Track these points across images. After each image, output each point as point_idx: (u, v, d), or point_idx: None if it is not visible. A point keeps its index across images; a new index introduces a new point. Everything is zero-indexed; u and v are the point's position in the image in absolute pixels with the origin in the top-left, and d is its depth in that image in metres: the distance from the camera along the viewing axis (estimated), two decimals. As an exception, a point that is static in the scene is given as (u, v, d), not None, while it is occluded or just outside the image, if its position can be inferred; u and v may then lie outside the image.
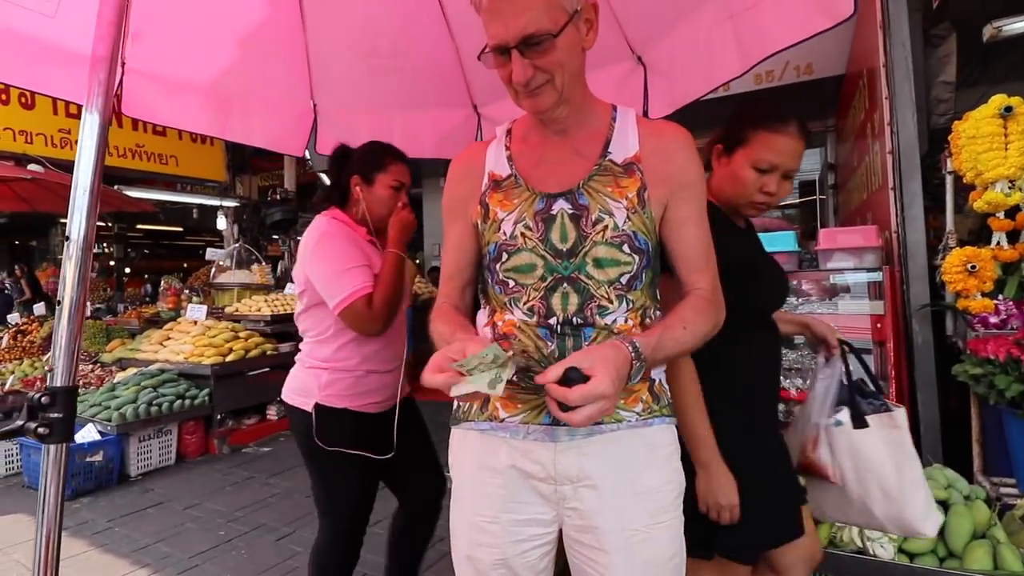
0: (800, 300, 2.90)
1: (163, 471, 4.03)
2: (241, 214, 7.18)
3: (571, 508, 1.00)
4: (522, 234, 0.99)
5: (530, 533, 1.01)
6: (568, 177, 1.00)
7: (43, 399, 0.80)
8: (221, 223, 7.10)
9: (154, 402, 4.03)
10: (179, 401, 4.16)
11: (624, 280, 0.97)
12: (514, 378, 0.96)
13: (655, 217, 1.00)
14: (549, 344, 0.97)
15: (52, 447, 0.82)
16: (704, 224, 1.04)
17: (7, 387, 4.61)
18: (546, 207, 0.99)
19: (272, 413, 4.88)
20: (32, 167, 4.74)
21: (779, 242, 2.86)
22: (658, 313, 1.06)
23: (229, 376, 4.50)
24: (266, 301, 5.32)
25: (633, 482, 0.98)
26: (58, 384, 0.82)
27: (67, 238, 0.83)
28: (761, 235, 2.95)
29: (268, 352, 4.87)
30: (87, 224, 0.85)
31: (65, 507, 2.62)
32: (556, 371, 0.80)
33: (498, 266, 1.02)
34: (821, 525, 2.00)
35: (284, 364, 4.89)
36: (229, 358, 4.55)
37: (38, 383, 4.71)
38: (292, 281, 6.56)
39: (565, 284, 0.97)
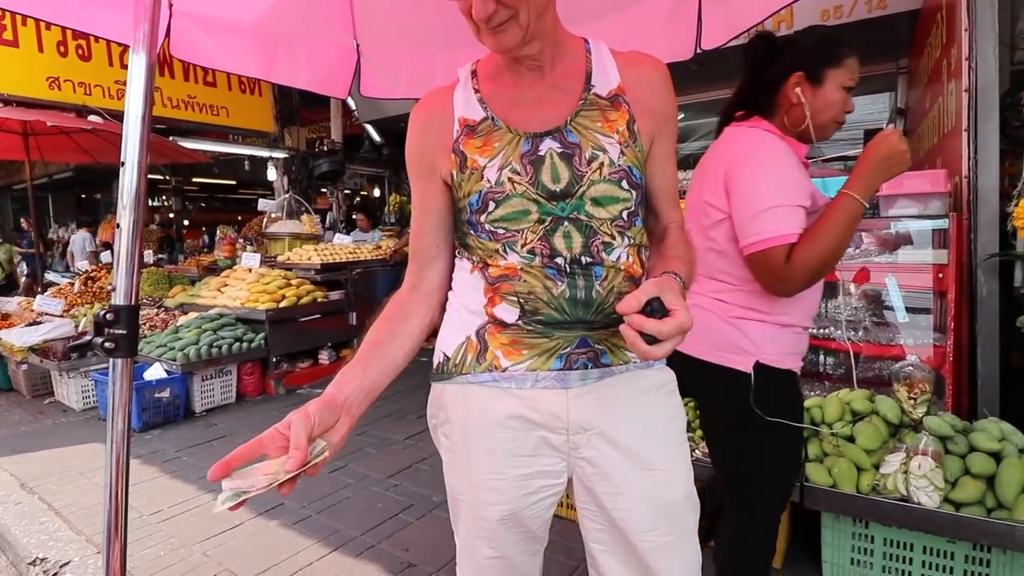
0: (858, 251, 2.76)
1: (224, 408, 4.31)
2: (290, 165, 7.33)
3: (584, 458, 0.96)
4: (509, 179, 0.91)
5: (539, 485, 0.97)
6: (552, 115, 0.93)
7: (108, 316, 0.85)
8: (271, 174, 7.28)
9: (214, 344, 4.27)
10: (237, 344, 4.40)
11: (625, 216, 0.94)
12: (520, 322, 0.93)
13: (645, 151, 0.96)
14: (559, 284, 0.91)
15: (118, 361, 0.88)
16: (676, 157, 1.03)
17: (80, 328, 4.97)
18: (532, 148, 0.92)
19: (324, 357, 5.10)
20: (92, 118, 4.94)
21: (836, 187, 2.70)
22: (646, 252, 1.03)
23: (282, 321, 4.71)
24: (316, 250, 5.47)
25: (646, 422, 0.97)
26: (120, 303, 0.87)
27: (121, 163, 0.87)
28: (816, 181, 2.80)
29: (319, 299, 5.05)
30: (139, 150, 0.88)
31: (137, 438, 2.86)
32: (640, 299, 0.76)
33: (483, 217, 0.93)
34: (864, 472, 1.97)
35: (335, 311, 5.15)
36: (282, 304, 4.75)
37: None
38: (340, 232, 6.74)
39: (566, 223, 0.91)
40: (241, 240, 6.78)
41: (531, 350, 0.94)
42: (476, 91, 0.98)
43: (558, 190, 0.91)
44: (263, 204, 6.70)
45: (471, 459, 0.98)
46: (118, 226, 0.87)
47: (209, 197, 16.47)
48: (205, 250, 8.14)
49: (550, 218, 0.91)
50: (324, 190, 8.25)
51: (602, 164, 0.91)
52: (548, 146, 0.91)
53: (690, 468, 1.02)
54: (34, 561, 2.30)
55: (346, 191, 8.92)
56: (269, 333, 4.60)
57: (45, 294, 5.59)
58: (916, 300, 2.74)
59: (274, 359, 4.68)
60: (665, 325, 0.74)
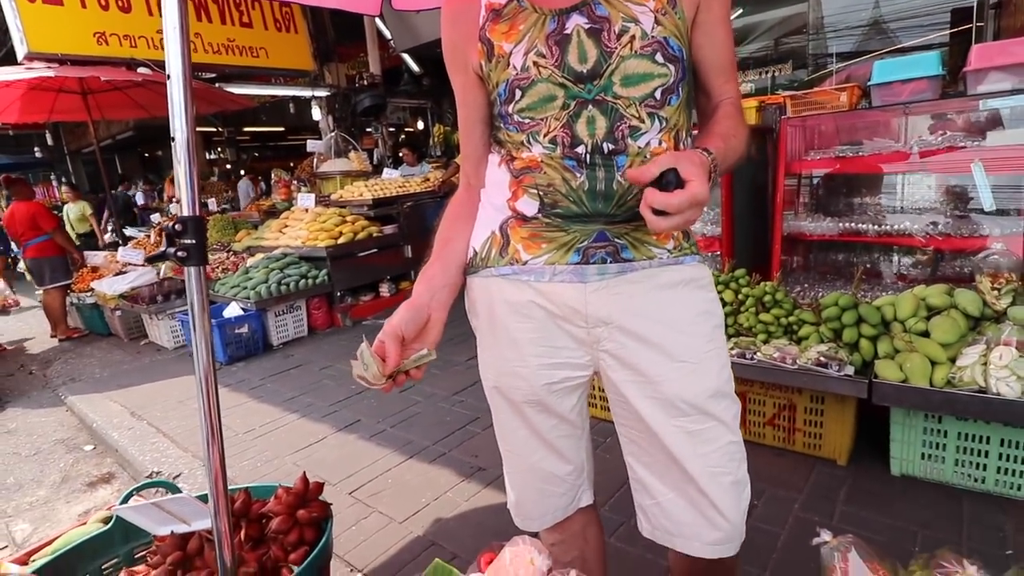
0: (939, 137, 2.51)
1: (298, 341, 4.59)
2: (333, 104, 7.33)
3: (606, 350, 0.95)
4: (535, 63, 0.87)
5: (562, 376, 0.98)
6: None
7: (177, 227, 0.91)
8: (316, 114, 7.31)
9: (282, 282, 4.51)
10: (303, 280, 4.61)
11: (658, 95, 0.87)
12: (539, 215, 0.92)
13: (687, 18, 0.87)
14: (578, 176, 0.88)
15: (192, 269, 0.94)
16: (730, 24, 0.92)
17: (161, 275, 5.35)
18: (559, 26, 0.86)
19: (384, 290, 5.29)
20: (141, 70, 5.06)
21: (919, 66, 2.43)
22: (691, 138, 0.95)
23: (342, 257, 4.88)
24: (366, 186, 5.55)
25: (670, 317, 0.93)
26: (186, 214, 0.92)
27: (168, 76, 0.89)
28: (898, 60, 2.53)
29: (374, 234, 5.17)
30: (183, 62, 0.89)
31: (224, 370, 3.12)
32: (652, 170, 0.72)
33: (511, 107, 0.90)
34: (938, 366, 1.90)
35: (390, 244, 5.27)
36: (340, 240, 4.91)
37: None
38: (388, 167, 6.79)
39: (590, 107, 0.86)
40: (295, 182, 6.96)
41: (549, 244, 0.93)
42: None
43: (585, 71, 0.86)
44: (311, 145, 6.80)
45: (497, 347, 1.01)
46: (172, 139, 0.90)
47: (261, 146, 16.86)
48: (263, 195, 8.42)
49: (575, 103, 0.87)
50: (369, 129, 8.25)
51: (633, 37, 0.84)
52: (575, 22, 0.85)
53: (724, 364, 0.97)
54: (151, 474, 2.62)
55: (390, 128, 8.88)
56: (331, 269, 4.79)
57: (127, 246, 6.00)
58: (1004, 187, 2.51)
59: (338, 293, 4.89)
60: (674, 198, 0.69)
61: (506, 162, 0.96)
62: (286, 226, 5.45)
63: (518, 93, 0.89)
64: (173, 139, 0.90)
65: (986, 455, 1.89)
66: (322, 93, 7.23)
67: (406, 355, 0.92)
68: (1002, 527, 1.77)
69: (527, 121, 0.90)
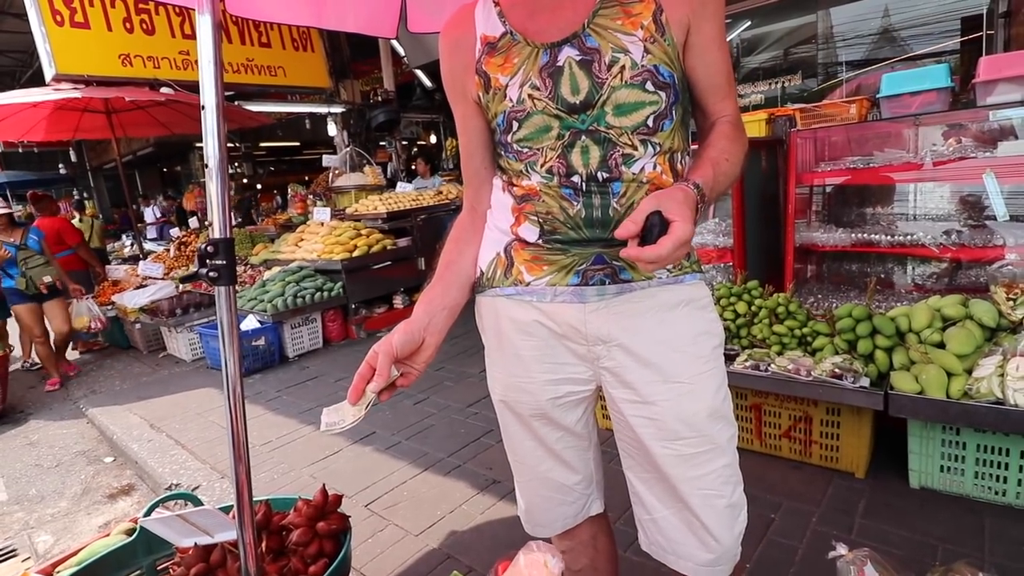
0: (950, 148, 2.52)
1: (314, 352, 4.65)
2: (348, 119, 7.46)
3: (606, 368, 0.98)
4: (530, 96, 0.89)
5: (566, 390, 1.01)
6: (570, 20, 0.88)
7: (208, 248, 0.95)
8: (331, 129, 7.44)
9: (298, 295, 4.58)
10: (318, 293, 4.68)
11: (651, 122, 0.88)
12: (540, 240, 0.95)
13: (677, 43, 0.88)
14: (574, 204, 0.91)
15: (222, 288, 0.98)
16: (725, 43, 0.93)
17: (180, 289, 5.45)
18: (551, 59, 0.88)
19: (398, 302, 5.34)
20: (164, 90, 5.20)
21: (928, 78, 2.45)
22: (688, 158, 0.97)
23: (357, 270, 4.95)
24: (381, 200, 5.63)
25: (668, 336, 0.95)
26: (218, 236, 0.96)
27: (202, 107, 0.94)
28: (907, 72, 2.54)
29: (388, 247, 5.24)
30: (216, 93, 0.94)
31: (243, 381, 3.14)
32: (637, 221, 0.74)
33: (509, 137, 0.94)
34: (954, 378, 1.89)
35: (404, 257, 5.34)
36: (355, 253, 4.98)
37: (204, 284, 5.52)
38: (401, 181, 6.88)
39: (583, 137, 0.89)
40: (311, 196, 7.07)
41: (550, 266, 0.95)
42: (496, 5, 0.95)
43: (578, 102, 0.88)
44: (327, 160, 6.92)
45: (504, 362, 1.05)
46: (206, 165, 0.95)
47: (277, 160, 17.14)
48: (279, 209, 8.55)
49: (569, 133, 0.89)
50: (383, 144, 8.37)
51: (623, 67, 0.85)
52: (566, 55, 0.87)
53: (721, 385, 0.99)
54: (170, 486, 2.66)
55: (403, 141, 9.00)
56: (346, 281, 4.86)
57: (146, 260, 6.13)
58: (1018, 196, 2.50)
59: (353, 306, 4.95)
60: (662, 249, 0.71)
61: (508, 187, 1.00)
62: (302, 240, 5.54)
63: (515, 124, 0.92)
64: (207, 165, 0.95)
65: (1006, 467, 1.88)
66: (337, 109, 7.36)
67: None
68: (1024, 542, 1.75)
69: (525, 150, 0.93)
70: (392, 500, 2.35)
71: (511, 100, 0.91)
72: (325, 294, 4.72)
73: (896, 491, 2.05)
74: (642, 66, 0.86)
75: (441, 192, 6.25)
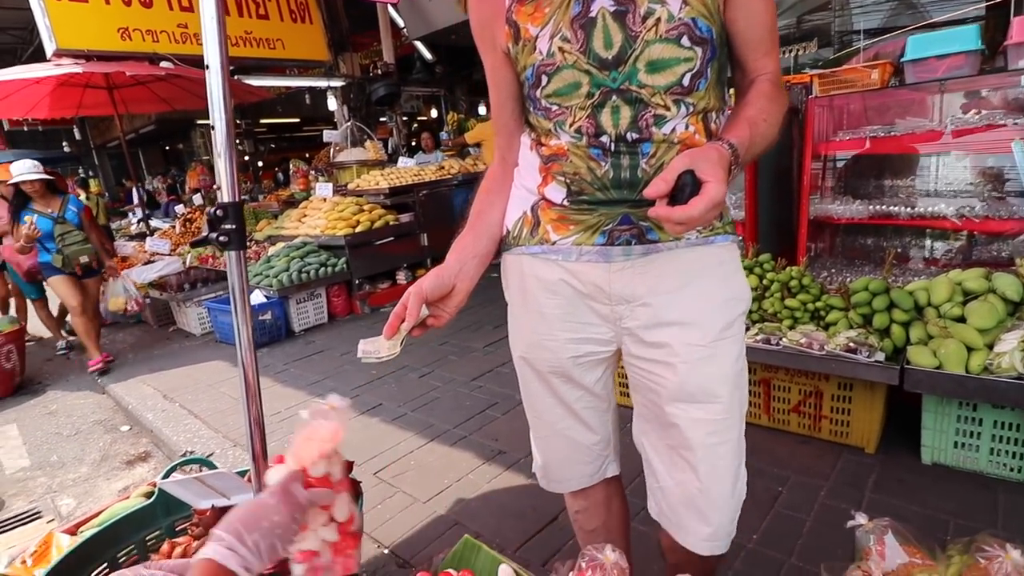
0: (977, 115, 2.43)
1: (319, 327, 4.66)
2: (348, 93, 7.34)
3: (628, 328, 0.97)
4: (560, 49, 0.85)
5: (587, 350, 1.01)
6: None
7: (218, 212, 0.92)
8: (332, 104, 7.34)
9: (303, 270, 4.56)
10: (322, 268, 4.67)
11: (686, 81, 0.84)
12: (566, 201, 0.94)
13: None
14: (602, 164, 0.89)
15: (232, 253, 0.95)
16: None
17: (187, 264, 5.44)
18: (583, 9, 0.83)
19: (401, 277, 5.32)
20: (164, 64, 5.12)
21: (956, 40, 2.35)
22: (724, 116, 0.93)
23: (360, 245, 4.92)
24: (383, 175, 5.58)
25: (693, 299, 0.93)
26: (227, 200, 0.93)
27: (206, 66, 0.90)
28: (934, 34, 2.45)
29: (390, 222, 5.20)
30: (221, 53, 0.90)
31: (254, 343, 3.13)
32: (668, 180, 0.71)
33: (538, 92, 0.91)
34: (974, 352, 1.86)
35: (407, 233, 5.30)
36: (358, 229, 4.94)
37: (210, 259, 5.51)
38: (403, 155, 6.81)
39: (614, 97, 0.85)
40: (313, 172, 7.01)
41: (576, 226, 0.94)
42: None
43: (610, 57, 0.84)
44: (328, 135, 6.84)
45: (527, 319, 1.05)
46: (212, 128, 0.92)
47: (277, 137, 17.00)
48: (282, 185, 8.50)
49: (599, 91, 0.86)
50: (383, 119, 8.27)
51: (659, 20, 0.81)
52: (600, 5, 0.83)
53: (741, 352, 0.98)
54: (185, 453, 2.69)
55: (404, 116, 8.88)
56: (349, 257, 4.84)
57: (153, 236, 6.12)
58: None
59: (356, 281, 4.94)
60: (693, 210, 0.68)
61: (536, 147, 0.98)
62: (305, 215, 5.51)
63: (544, 79, 0.89)
64: (213, 128, 0.91)
65: (1023, 444, 1.86)
66: (337, 83, 7.24)
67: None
68: (1039, 517, 1.74)
69: (554, 108, 0.90)
70: (400, 469, 2.37)
71: (541, 53, 0.88)
72: (329, 269, 4.71)
73: (907, 466, 2.04)
74: (679, 19, 0.81)
75: (443, 167, 6.18)
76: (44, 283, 4.26)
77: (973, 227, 2.39)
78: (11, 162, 4.34)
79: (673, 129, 0.87)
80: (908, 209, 2.50)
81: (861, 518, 0.96)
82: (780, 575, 1.62)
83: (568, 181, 0.93)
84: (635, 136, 0.86)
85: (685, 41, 0.82)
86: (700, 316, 0.93)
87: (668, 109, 0.85)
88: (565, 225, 0.95)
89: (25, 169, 3.91)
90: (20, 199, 4.01)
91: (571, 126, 0.89)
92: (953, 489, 1.90)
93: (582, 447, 1.11)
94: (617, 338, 1.01)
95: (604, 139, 0.87)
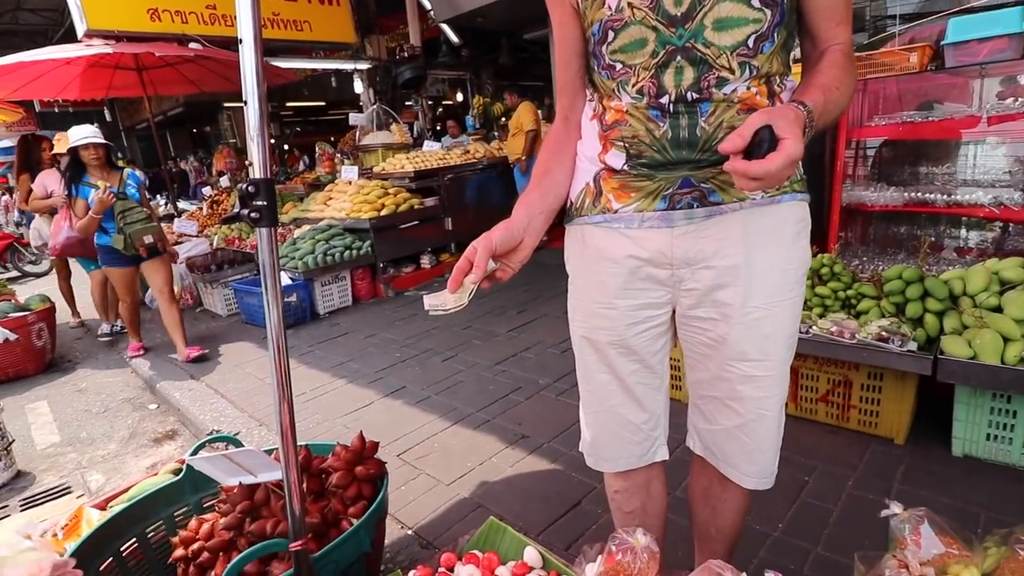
0: (1018, 101, 2.34)
1: (343, 310, 4.71)
2: (374, 76, 7.35)
3: (688, 289, 0.99)
4: (629, 5, 0.86)
5: (645, 316, 1.03)
6: None
7: (250, 188, 0.93)
8: (358, 87, 7.35)
9: (328, 253, 4.61)
10: (347, 251, 4.71)
11: (751, 42, 0.84)
12: (626, 166, 0.95)
13: None
14: (660, 125, 0.89)
15: (263, 230, 0.96)
16: None
17: (214, 245, 5.54)
18: None
19: (425, 262, 5.35)
20: (192, 45, 5.18)
21: (999, 22, 2.26)
22: (789, 81, 0.92)
23: (385, 229, 4.95)
24: (408, 159, 5.58)
25: (755, 260, 0.94)
26: (258, 176, 0.94)
27: (240, 40, 0.90)
28: (976, 16, 2.35)
29: (415, 207, 5.21)
30: (254, 26, 0.90)
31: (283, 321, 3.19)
32: (745, 135, 0.70)
33: (604, 48, 0.91)
34: (1011, 343, 1.80)
35: (431, 217, 5.31)
36: (383, 212, 4.97)
37: (236, 241, 5.60)
38: (428, 139, 6.80)
39: (679, 57, 0.85)
40: (338, 155, 7.05)
41: (638, 192, 0.96)
42: None
43: (679, 13, 0.84)
44: (353, 118, 6.85)
45: (587, 290, 1.07)
46: (245, 102, 0.92)
47: (303, 120, 17.12)
48: (307, 169, 8.57)
49: (664, 50, 0.86)
50: (408, 103, 8.25)
51: None
52: None
53: (797, 315, 1.01)
54: (211, 432, 2.75)
55: (429, 100, 8.85)
56: (374, 240, 4.87)
57: (181, 218, 6.23)
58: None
59: (381, 264, 4.97)
60: (768, 164, 0.67)
61: (598, 117, 0.99)
62: (330, 198, 5.55)
63: (611, 34, 0.90)
64: (245, 103, 0.92)
65: (1058, 437, 1.81)
66: (364, 66, 7.25)
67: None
68: (1074, 512, 1.69)
69: (618, 66, 0.91)
70: (423, 451, 2.40)
71: (609, 8, 0.89)
72: (354, 252, 4.75)
73: (938, 458, 2.00)
74: None
75: (468, 151, 6.16)
76: (104, 269, 3.86)
77: (1011, 216, 2.30)
78: (55, 135, 4.09)
79: (734, 90, 0.87)
80: (944, 197, 2.42)
81: (896, 507, 0.94)
82: (807, 564, 1.60)
83: (627, 145, 0.94)
84: (695, 96, 0.87)
85: (755, 2, 0.82)
86: (762, 279, 0.95)
87: (732, 72, 0.85)
88: (627, 193, 0.96)
89: (88, 133, 3.50)
90: (76, 169, 3.56)
91: (634, 87, 0.90)
92: (984, 482, 1.85)
93: (632, 426, 1.11)
94: (674, 300, 1.03)
95: (664, 100, 0.88)
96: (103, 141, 3.56)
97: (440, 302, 0.88)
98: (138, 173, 3.82)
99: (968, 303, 1.98)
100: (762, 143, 0.69)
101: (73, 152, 3.53)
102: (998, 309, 1.92)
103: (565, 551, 1.74)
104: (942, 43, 2.40)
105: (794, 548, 1.67)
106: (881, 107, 2.77)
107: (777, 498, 1.85)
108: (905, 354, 1.93)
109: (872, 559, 0.92)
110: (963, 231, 2.76)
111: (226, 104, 13.67)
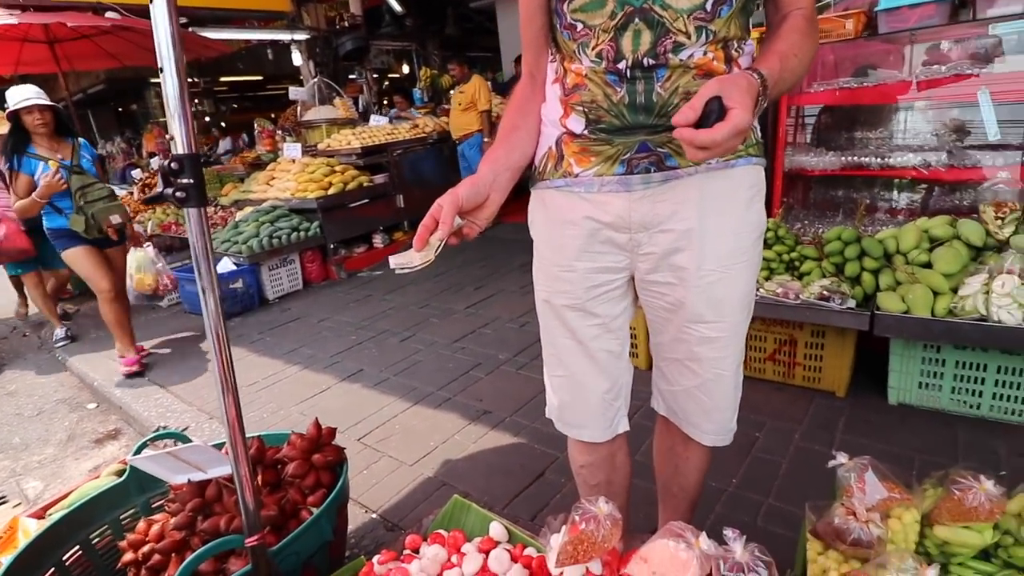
0: (945, 65, 2.43)
1: (294, 295, 4.56)
2: (313, 47, 7.01)
3: (645, 254, 1.01)
4: None
5: (603, 279, 1.05)
6: None
7: (173, 165, 0.86)
8: (297, 59, 7.01)
9: (273, 235, 4.42)
10: (295, 233, 4.53)
11: (709, 6, 0.84)
12: (586, 131, 0.95)
13: None
14: (618, 90, 0.90)
15: (192, 211, 0.89)
16: None
17: (149, 231, 5.24)
18: None
19: (378, 241, 5.22)
20: (109, 15, 4.78)
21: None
22: (747, 45, 0.93)
23: (333, 208, 4.79)
24: (354, 134, 5.38)
25: (710, 224, 0.96)
26: (181, 151, 0.87)
27: (151, 2, 0.82)
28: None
29: (364, 184, 5.05)
30: (166, -14, 0.82)
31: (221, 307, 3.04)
32: (696, 107, 0.71)
33: (565, 7, 0.91)
34: (940, 297, 1.91)
35: (381, 195, 5.16)
36: (330, 191, 4.79)
37: (173, 227, 5.31)
38: (374, 113, 6.57)
39: (637, 19, 0.85)
40: (279, 132, 6.74)
41: (597, 157, 0.96)
42: None
43: None
44: (293, 92, 6.54)
45: (548, 254, 1.09)
46: (161, 70, 0.84)
47: (239, 96, 16.25)
48: (246, 147, 8.17)
49: (623, 11, 0.86)
50: (352, 76, 7.93)
51: None
52: None
53: (754, 275, 1.04)
54: (158, 428, 2.63)
55: (374, 73, 8.54)
56: (323, 220, 4.71)
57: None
58: (1010, 117, 2.46)
59: (331, 245, 4.82)
60: (717, 133, 0.68)
61: (560, 80, 0.99)
62: (273, 178, 5.31)
63: None
64: (161, 70, 0.84)
65: (983, 382, 1.94)
66: (301, 36, 6.90)
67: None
68: (996, 450, 1.83)
69: (579, 26, 0.91)
70: (384, 433, 2.36)
71: None
72: (302, 234, 4.58)
73: (875, 408, 2.12)
74: None
75: (417, 126, 5.99)
76: (62, 255, 3.22)
77: (940, 176, 2.42)
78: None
79: (690, 55, 0.87)
80: (879, 159, 2.52)
81: (842, 457, 0.98)
82: (760, 515, 1.68)
83: (586, 110, 0.94)
84: (652, 61, 0.87)
85: None
86: (716, 242, 0.96)
87: (688, 36, 0.85)
88: (587, 157, 0.97)
89: (31, 94, 2.93)
90: (18, 137, 2.98)
91: (593, 49, 0.90)
92: (918, 427, 1.99)
93: (595, 395, 1.12)
94: (632, 265, 1.04)
95: (621, 65, 0.88)
96: (50, 103, 2.99)
97: (406, 260, 0.87)
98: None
99: (901, 260, 2.09)
100: (711, 114, 0.70)
101: (13, 117, 2.95)
102: (928, 265, 2.03)
103: (531, 521, 1.76)
104: (875, 9, 2.46)
105: (748, 501, 1.74)
106: (819, 74, 2.84)
107: (730, 455, 1.93)
108: (844, 311, 2.03)
109: (821, 508, 0.96)
110: (896, 193, 2.88)
111: (153, 80, 12.79)
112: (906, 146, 2.67)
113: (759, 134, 1.01)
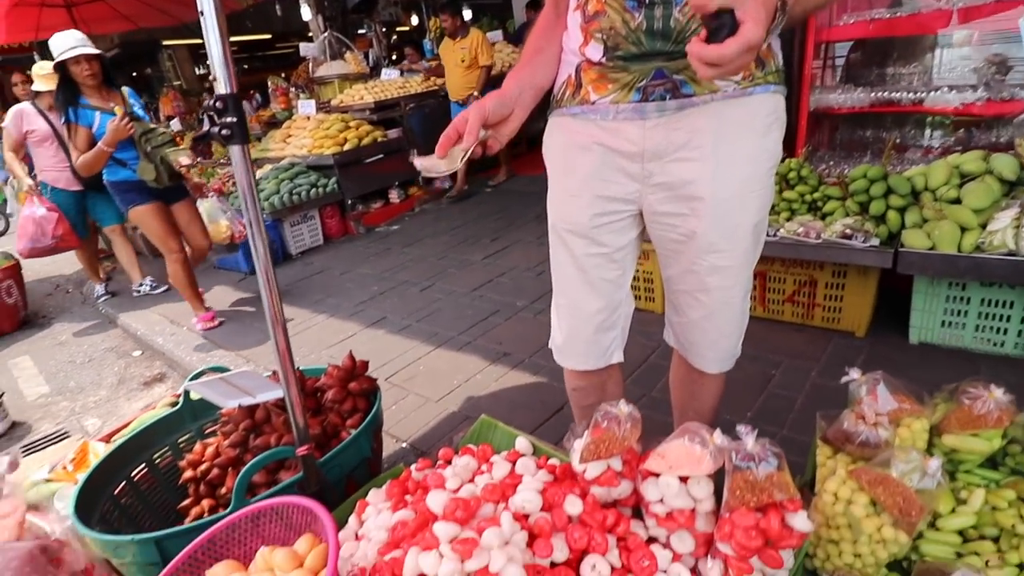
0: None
1: (315, 249, 4.65)
2: (322, 1, 6.86)
3: (657, 184, 1.01)
4: None
5: (612, 208, 1.06)
6: None
7: (218, 104, 0.90)
8: (306, 14, 6.87)
9: (293, 192, 4.48)
10: (313, 189, 4.59)
11: None
12: (604, 59, 0.95)
13: None
14: (636, 16, 0.90)
15: (236, 148, 0.94)
16: None
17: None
18: None
19: (394, 196, 5.25)
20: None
21: None
22: None
23: (349, 164, 4.82)
24: (367, 89, 5.35)
25: (725, 152, 0.95)
26: (223, 91, 0.91)
27: (187, -63, 0.84)
28: None
29: (379, 139, 5.05)
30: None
31: (249, 280, 3.16)
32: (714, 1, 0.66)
33: None
34: (968, 232, 1.89)
35: (396, 149, 5.16)
36: (346, 147, 4.81)
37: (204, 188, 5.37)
38: (385, 67, 6.48)
39: None
40: (293, 89, 6.70)
41: (614, 84, 0.97)
42: None
43: None
44: (304, 49, 6.45)
45: (560, 179, 1.11)
46: (201, 13, 0.87)
47: (250, 57, 16.09)
48: (261, 106, 8.15)
49: None
50: (361, 30, 7.77)
51: None
52: None
53: (767, 204, 1.04)
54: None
55: (383, 27, 8.36)
56: (340, 177, 4.74)
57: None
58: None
59: (349, 201, 4.87)
60: (726, 48, 0.64)
61: (580, 8, 0.98)
62: (290, 136, 5.33)
63: None
64: (202, 13, 0.87)
65: (1008, 319, 1.93)
66: (310, -11, 6.75)
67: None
68: (1020, 388, 1.85)
69: None
70: (409, 374, 2.47)
71: None
72: (320, 190, 4.63)
73: (896, 346, 2.14)
74: None
75: (430, 79, 5.91)
76: (128, 213, 3.09)
77: (975, 111, 2.34)
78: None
79: None
80: (911, 95, 2.44)
81: (855, 373, 1.02)
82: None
83: (605, 37, 0.94)
84: None
85: None
86: (730, 169, 0.96)
87: None
88: (604, 84, 0.98)
89: (75, 42, 2.74)
90: (69, 90, 2.81)
91: None
92: (939, 364, 2.01)
93: (587, 315, 1.14)
94: (641, 198, 1.05)
95: None
96: (96, 51, 2.80)
97: (431, 164, 0.89)
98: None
99: (929, 197, 2.06)
100: (723, 27, 0.66)
101: (61, 69, 2.77)
102: (957, 201, 2.00)
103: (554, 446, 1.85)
104: (913, -68, 2.34)
105: (762, 433, 1.78)
106: (850, 5, 2.73)
107: (745, 390, 1.98)
108: (868, 249, 2.02)
109: (832, 416, 1.01)
110: (927, 131, 2.80)
111: (166, 43, 12.68)
112: (941, 81, 2.58)
113: (780, 60, 0.99)
